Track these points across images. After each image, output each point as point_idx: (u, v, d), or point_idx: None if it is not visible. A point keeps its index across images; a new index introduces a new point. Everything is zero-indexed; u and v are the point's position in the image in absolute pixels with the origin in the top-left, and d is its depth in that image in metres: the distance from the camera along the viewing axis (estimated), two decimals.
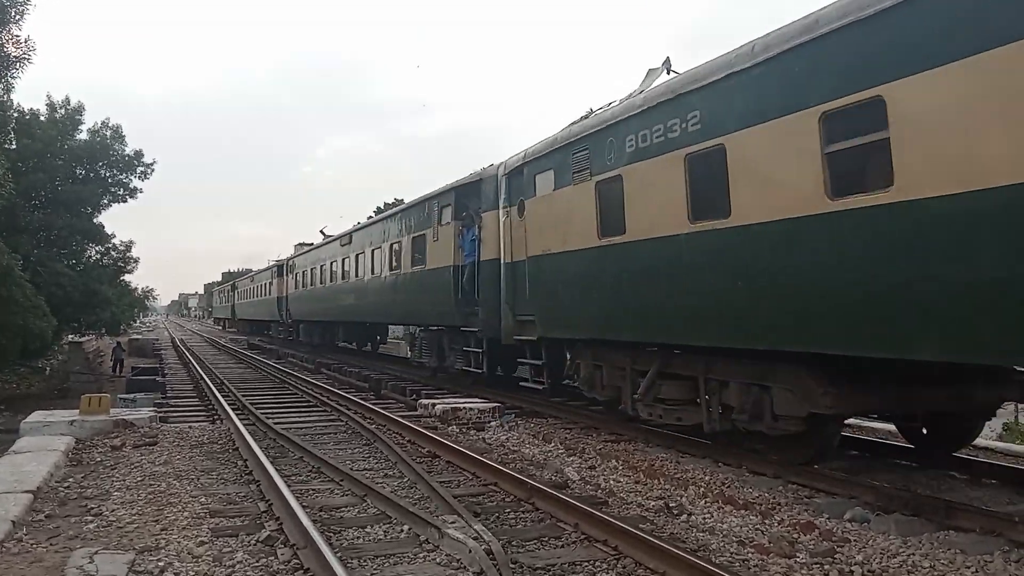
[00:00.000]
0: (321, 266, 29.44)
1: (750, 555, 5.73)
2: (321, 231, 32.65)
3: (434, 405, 12.71)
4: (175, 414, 13.58)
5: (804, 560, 5.62)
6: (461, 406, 12.38)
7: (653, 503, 7.24)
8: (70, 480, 8.11)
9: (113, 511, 6.89)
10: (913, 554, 5.73)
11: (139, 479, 8.20)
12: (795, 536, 6.19)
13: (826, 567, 5.49)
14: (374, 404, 14.09)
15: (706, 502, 7.27)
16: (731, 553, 5.79)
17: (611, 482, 8.13)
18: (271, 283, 41.88)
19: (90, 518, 6.69)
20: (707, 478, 8.23)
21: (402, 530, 6.32)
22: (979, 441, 10.78)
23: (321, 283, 29.42)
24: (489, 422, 11.92)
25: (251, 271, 58.82)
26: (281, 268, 39.44)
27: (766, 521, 6.63)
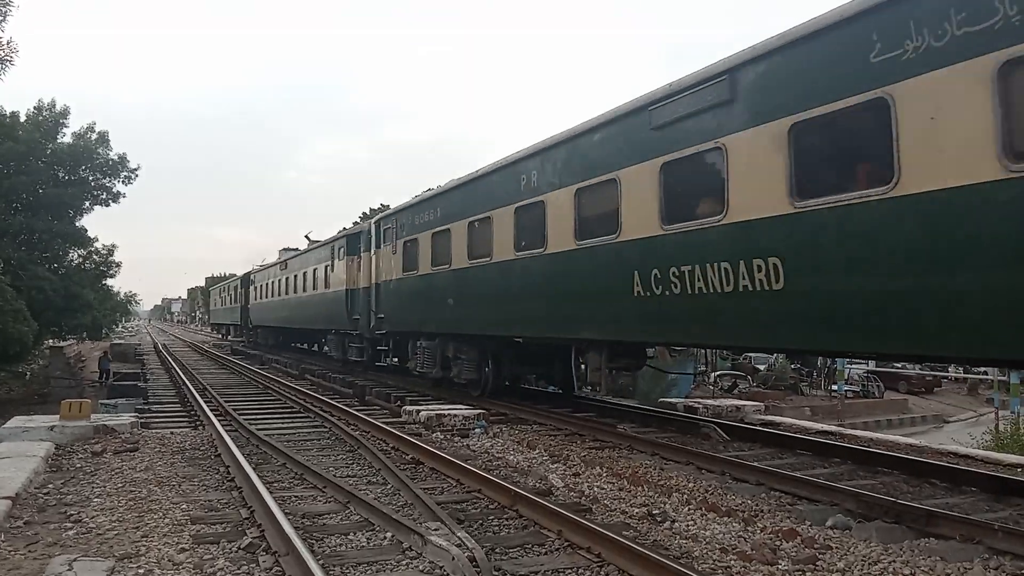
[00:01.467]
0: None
1: (732, 562, 5.75)
2: (306, 236, 32.71)
3: (418, 411, 12.68)
4: (157, 420, 13.47)
5: (786, 567, 5.65)
6: (446, 413, 12.35)
7: (637, 510, 7.25)
8: (49, 486, 8.02)
9: (93, 518, 6.83)
10: (894, 561, 5.77)
11: (120, 485, 8.13)
12: (777, 543, 6.22)
13: (808, 574, 5.53)
14: (358, 410, 14.02)
15: (689, 509, 7.29)
16: (714, 560, 5.81)
17: (595, 489, 8.13)
18: (330, 268, 26.18)
19: (69, 525, 6.62)
20: (690, 485, 8.25)
21: (385, 537, 6.30)
22: (959, 448, 10.91)
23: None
24: (473, 428, 11.90)
25: (248, 270, 54.14)
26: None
27: (748, 528, 6.66)
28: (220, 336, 60.88)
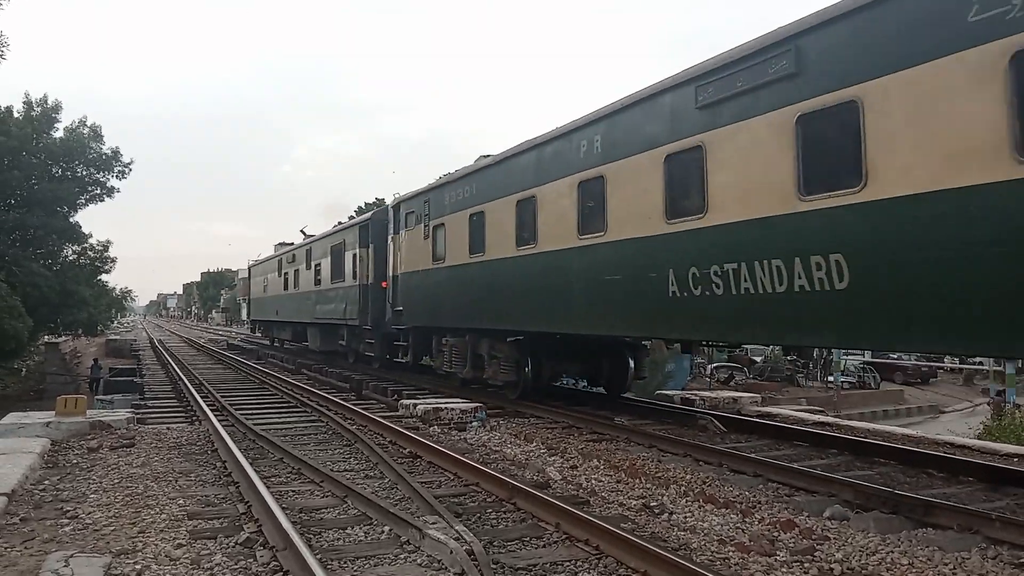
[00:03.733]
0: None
1: (731, 554, 5.75)
2: (301, 231, 32.58)
3: (416, 405, 12.66)
4: (153, 415, 13.43)
5: (784, 558, 5.65)
6: (443, 406, 12.33)
7: (634, 502, 7.25)
8: (45, 482, 7.98)
9: (89, 514, 6.80)
10: (892, 551, 5.77)
11: (116, 481, 8.10)
12: (775, 534, 6.22)
13: (806, 565, 5.52)
14: (355, 404, 14.01)
15: (687, 501, 7.29)
16: (712, 552, 5.80)
17: (592, 481, 8.13)
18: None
19: (66, 521, 6.59)
20: (688, 477, 8.26)
21: (383, 531, 6.28)
22: (955, 439, 10.93)
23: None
24: (471, 422, 11.89)
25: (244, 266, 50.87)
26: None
27: (746, 519, 6.66)
28: (270, 342, 38.08)
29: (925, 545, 5.92)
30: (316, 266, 26.90)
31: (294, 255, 30.76)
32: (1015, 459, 9.30)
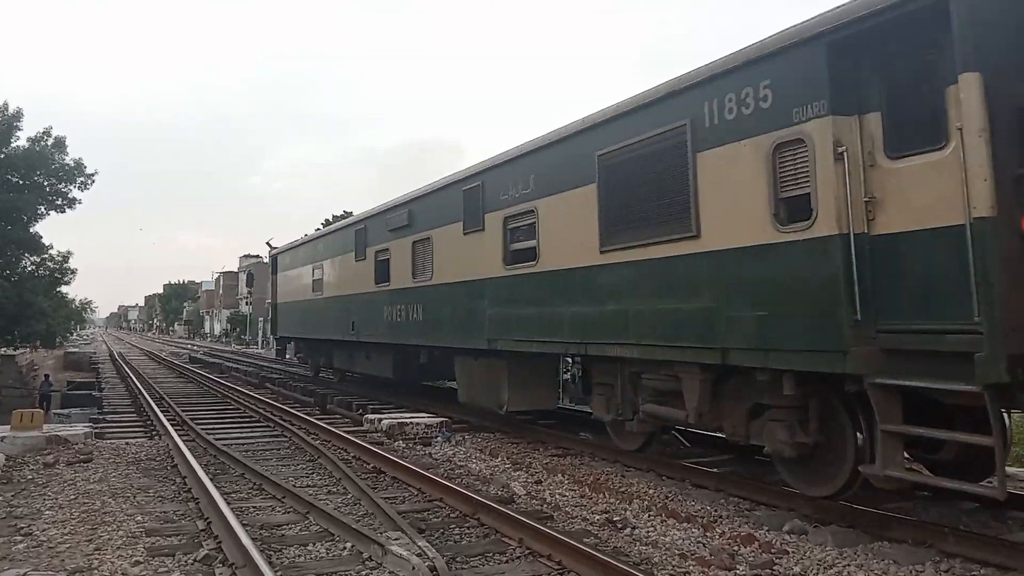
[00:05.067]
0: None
1: (691, 568, 5.80)
2: (267, 243, 32.19)
3: (380, 420, 12.59)
4: (112, 430, 13.20)
5: (744, 572, 5.72)
6: (408, 421, 12.29)
7: (598, 517, 7.29)
8: None
9: (44, 530, 6.67)
10: (848, 565, 5.87)
11: (72, 497, 7.95)
12: (735, 548, 6.29)
13: None
14: (319, 419, 13.89)
15: (649, 515, 7.35)
16: (673, 566, 5.86)
17: (557, 496, 8.15)
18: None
19: (19, 538, 6.46)
20: (651, 491, 8.32)
21: (345, 547, 6.24)
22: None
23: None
24: (436, 437, 11.85)
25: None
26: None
27: (707, 534, 6.73)
28: (313, 372, 24.79)
29: (881, 558, 6.02)
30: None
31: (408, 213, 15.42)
32: None
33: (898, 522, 6.68)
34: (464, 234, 12.72)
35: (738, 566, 5.84)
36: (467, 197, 12.69)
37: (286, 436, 12.36)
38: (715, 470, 9.16)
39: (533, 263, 10.80)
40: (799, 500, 7.54)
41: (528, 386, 11.98)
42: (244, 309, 78.07)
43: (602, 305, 9.26)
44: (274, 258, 27.27)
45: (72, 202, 36.92)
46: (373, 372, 18.70)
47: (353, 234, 18.59)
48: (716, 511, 7.53)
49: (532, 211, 10.85)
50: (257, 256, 32.85)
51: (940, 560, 5.94)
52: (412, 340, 14.86)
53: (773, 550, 6.23)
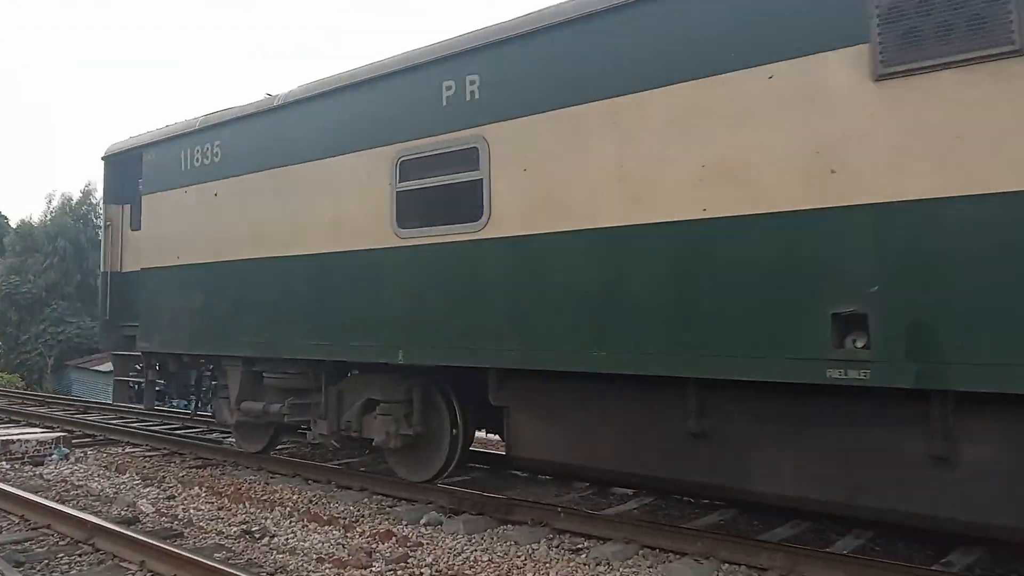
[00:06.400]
0: None
1: (327, 571, 5.78)
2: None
3: None
4: None
5: (379, 569, 5.83)
6: (15, 438, 10.66)
7: (235, 529, 6.95)
8: None
9: None
10: (475, 550, 6.28)
11: None
12: (373, 546, 6.40)
13: (399, 572, 5.76)
14: None
15: (291, 522, 7.19)
16: (309, 571, 5.78)
17: (191, 511, 7.62)
18: None
19: None
20: (295, 497, 8.15)
21: None
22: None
23: None
24: (50, 455, 10.43)
25: None
26: None
27: (348, 534, 6.76)
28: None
29: (504, 540, 6.53)
30: None
31: None
32: None
33: (520, 505, 7.29)
34: None
35: (375, 563, 5.94)
36: None
37: None
38: (362, 470, 9.26)
39: None
40: (437, 493, 7.91)
41: None
42: None
43: None
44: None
45: None
46: None
47: None
48: (359, 511, 7.60)
49: None
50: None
51: (552, 537, 6.61)
52: None
53: (409, 543, 6.44)
